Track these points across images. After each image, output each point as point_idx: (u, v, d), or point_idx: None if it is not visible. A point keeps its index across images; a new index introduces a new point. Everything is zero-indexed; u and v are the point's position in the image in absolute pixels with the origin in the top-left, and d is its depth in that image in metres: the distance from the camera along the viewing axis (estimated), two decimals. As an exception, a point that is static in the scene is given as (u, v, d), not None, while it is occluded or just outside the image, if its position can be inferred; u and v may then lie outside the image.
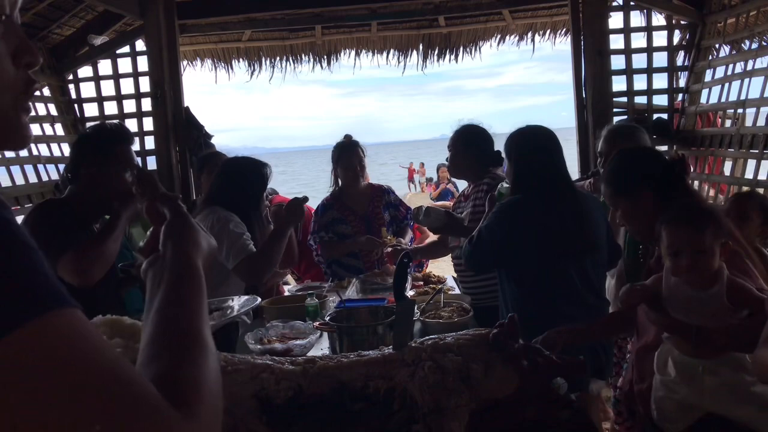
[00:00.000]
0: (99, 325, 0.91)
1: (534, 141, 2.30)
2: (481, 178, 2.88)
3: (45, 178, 3.84)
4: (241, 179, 2.66)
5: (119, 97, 4.28)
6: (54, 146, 4.04)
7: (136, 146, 3.13)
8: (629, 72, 4.20)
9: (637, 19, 4.27)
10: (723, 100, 3.97)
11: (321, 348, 2.18)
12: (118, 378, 0.46)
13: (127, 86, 4.28)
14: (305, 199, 2.62)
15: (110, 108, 4.29)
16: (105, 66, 4.31)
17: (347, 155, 3.25)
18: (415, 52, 5.39)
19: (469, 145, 2.90)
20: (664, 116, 4.25)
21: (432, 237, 3.36)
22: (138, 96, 4.23)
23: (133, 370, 0.48)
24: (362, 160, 3.27)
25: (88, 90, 4.32)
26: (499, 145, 2.72)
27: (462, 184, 3.62)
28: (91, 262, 1.97)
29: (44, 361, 0.43)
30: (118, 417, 0.44)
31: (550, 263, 2.15)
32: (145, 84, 4.18)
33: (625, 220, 1.87)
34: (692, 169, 4.00)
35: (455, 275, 3.11)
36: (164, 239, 0.78)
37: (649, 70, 4.21)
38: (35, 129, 3.87)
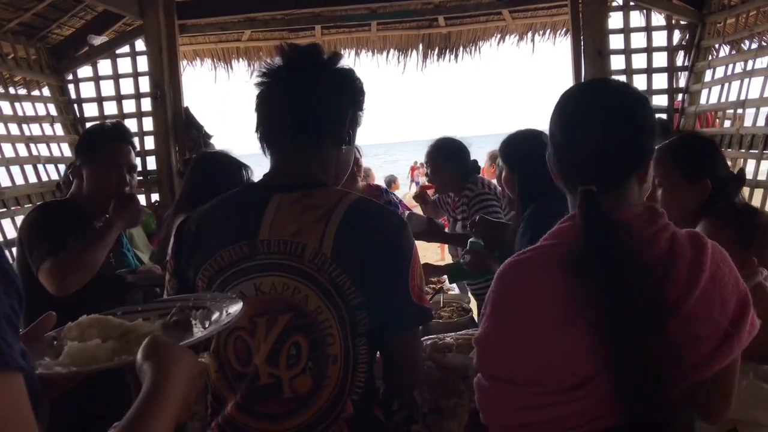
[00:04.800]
0: (86, 325, 0.91)
1: (539, 146, 2.27)
2: (463, 189, 2.97)
3: (45, 178, 3.82)
4: (213, 182, 2.20)
5: (119, 97, 4.26)
6: (54, 146, 4.02)
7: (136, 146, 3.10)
8: (629, 72, 4.18)
9: (636, 19, 4.26)
10: (723, 100, 3.96)
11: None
12: None
13: (126, 86, 4.26)
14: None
15: (110, 108, 4.27)
16: (105, 66, 4.30)
17: None
18: (415, 52, 5.38)
19: (447, 159, 2.95)
20: (664, 116, 4.25)
21: None
22: (138, 96, 4.21)
23: None
24: (357, 158, 3.27)
25: (87, 90, 4.30)
26: (476, 151, 2.83)
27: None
28: (69, 270, 1.90)
29: None
30: None
31: None
32: (144, 84, 4.17)
33: (670, 203, 1.66)
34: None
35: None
36: (142, 360, 0.76)
37: (649, 71, 4.19)
38: (35, 129, 3.86)
